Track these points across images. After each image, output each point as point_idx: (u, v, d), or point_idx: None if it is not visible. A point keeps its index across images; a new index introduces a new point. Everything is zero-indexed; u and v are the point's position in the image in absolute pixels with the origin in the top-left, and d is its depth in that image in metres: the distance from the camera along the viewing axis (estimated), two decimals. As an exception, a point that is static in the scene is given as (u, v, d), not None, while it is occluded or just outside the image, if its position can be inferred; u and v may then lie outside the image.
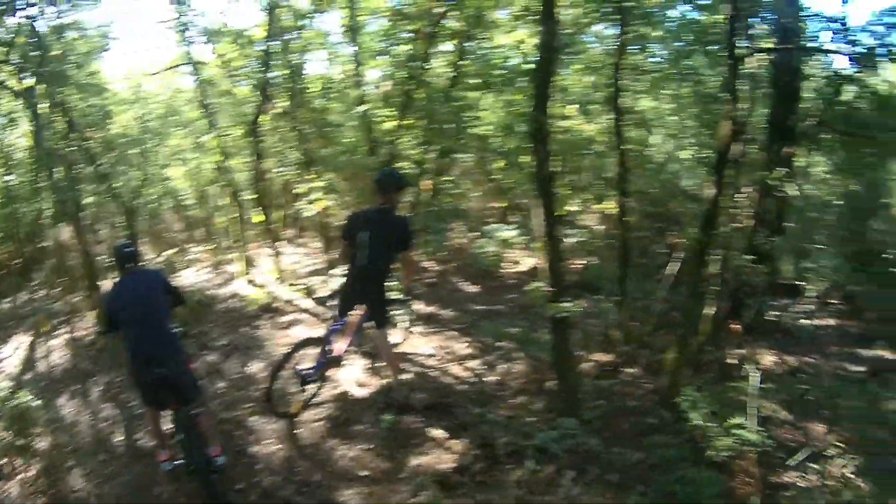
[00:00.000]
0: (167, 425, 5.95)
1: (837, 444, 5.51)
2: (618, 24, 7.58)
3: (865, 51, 6.74)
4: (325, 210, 9.64)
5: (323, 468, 5.95)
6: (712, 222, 6.30)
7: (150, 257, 11.99)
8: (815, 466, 5.41)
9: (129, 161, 12.74)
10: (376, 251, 6.16)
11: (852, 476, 5.25)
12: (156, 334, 5.56)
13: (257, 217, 11.09)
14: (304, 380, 6.47)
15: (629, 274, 7.75)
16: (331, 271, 9.36)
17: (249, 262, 10.90)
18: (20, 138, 13.34)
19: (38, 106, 9.86)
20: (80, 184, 10.61)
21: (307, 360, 6.61)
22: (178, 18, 10.17)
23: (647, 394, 6.82)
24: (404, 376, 6.97)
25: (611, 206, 7.71)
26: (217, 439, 5.91)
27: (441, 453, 5.85)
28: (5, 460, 7.31)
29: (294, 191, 10.94)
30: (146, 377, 5.55)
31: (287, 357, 6.41)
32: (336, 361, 6.52)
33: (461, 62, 9.51)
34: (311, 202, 9.53)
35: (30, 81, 9.76)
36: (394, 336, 7.38)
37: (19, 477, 7.08)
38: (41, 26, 9.71)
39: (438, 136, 9.19)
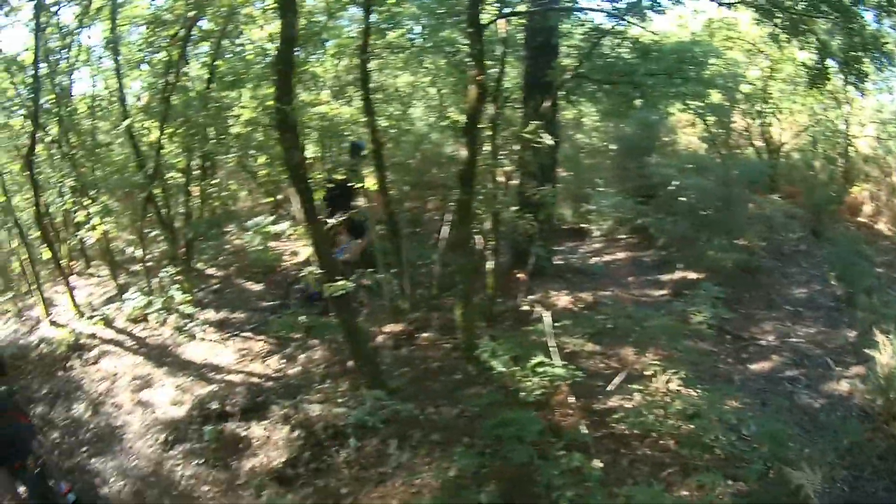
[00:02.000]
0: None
1: (655, 363, 6.06)
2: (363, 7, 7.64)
3: (627, 5, 7.28)
4: (105, 235, 9.34)
5: (169, 493, 6.01)
6: (471, 182, 6.64)
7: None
8: (636, 387, 5.92)
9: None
10: None
11: (678, 388, 5.79)
12: None
13: (45, 254, 10.60)
14: None
15: (402, 244, 7.99)
16: (123, 296, 9.16)
17: (48, 303, 10.39)
18: None
19: None
20: None
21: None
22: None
23: (447, 353, 7.14)
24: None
25: (371, 182, 7.83)
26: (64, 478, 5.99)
27: (269, 451, 6.04)
28: None
29: (74, 220, 10.53)
30: None
31: None
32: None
33: (216, 62, 9.30)
34: (89, 229, 9.27)
35: None
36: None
37: None
38: None
39: (200, 141, 9.07)
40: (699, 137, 14.08)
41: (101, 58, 10.15)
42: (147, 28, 9.08)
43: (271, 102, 5.92)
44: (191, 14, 8.38)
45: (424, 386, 6.57)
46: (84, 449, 6.97)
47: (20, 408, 5.87)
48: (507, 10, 7.97)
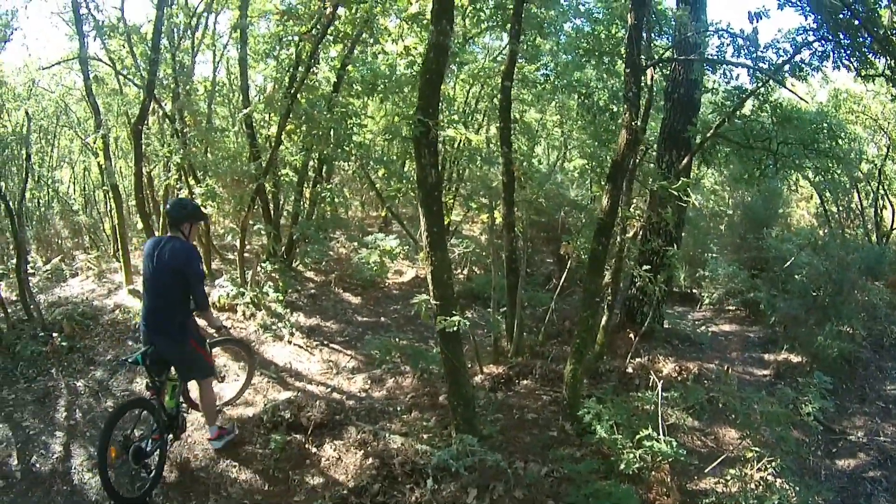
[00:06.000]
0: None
1: (753, 448, 5.59)
2: (508, 35, 7.51)
3: (771, 66, 7.03)
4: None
5: (218, 493, 5.64)
6: (608, 231, 6.27)
7: (38, 266, 11.36)
8: (733, 472, 5.42)
9: (16, 162, 12.03)
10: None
11: (774, 479, 5.33)
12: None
13: (139, 223, 10.57)
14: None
15: (518, 284, 7.64)
16: (215, 281, 9.05)
17: (132, 271, 10.42)
18: None
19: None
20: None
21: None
22: (74, 10, 9.44)
23: (544, 405, 6.74)
24: (284, 395, 6.72)
25: (497, 215, 7.60)
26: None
27: (337, 474, 5.68)
28: None
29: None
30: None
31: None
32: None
33: (346, 68, 9.26)
34: None
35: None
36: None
37: None
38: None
39: (320, 143, 8.82)
40: (814, 213, 13.69)
41: (226, 46, 10.20)
42: (277, 22, 9.03)
43: (408, 114, 5.64)
44: (328, 11, 8.25)
45: (516, 436, 6.17)
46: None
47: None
48: (663, 57, 7.97)
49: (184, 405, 5.98)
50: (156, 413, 5.54)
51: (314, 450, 5.98)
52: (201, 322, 5.80)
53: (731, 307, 11.11)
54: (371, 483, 5.41)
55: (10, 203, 8.99)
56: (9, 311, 9.84)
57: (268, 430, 6.21)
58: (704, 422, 6.98)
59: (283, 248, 9.55)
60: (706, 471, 5.97)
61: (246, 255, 9.12)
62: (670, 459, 5.46)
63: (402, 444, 5.80)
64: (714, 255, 11.29)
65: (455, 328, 5.34)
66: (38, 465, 6.61)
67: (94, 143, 9.79)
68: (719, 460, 6.01)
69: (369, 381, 7.15)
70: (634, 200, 8.13)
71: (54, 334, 8.89)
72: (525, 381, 7.22)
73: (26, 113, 10.59)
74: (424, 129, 5.24)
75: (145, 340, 5.54)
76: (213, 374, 5.96)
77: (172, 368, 5.68)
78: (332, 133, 8.66)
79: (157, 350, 5.45)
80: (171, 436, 5.79)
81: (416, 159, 5.47)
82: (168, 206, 5.67)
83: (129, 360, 5.63)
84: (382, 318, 8.55)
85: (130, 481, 5.62)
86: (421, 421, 6.29)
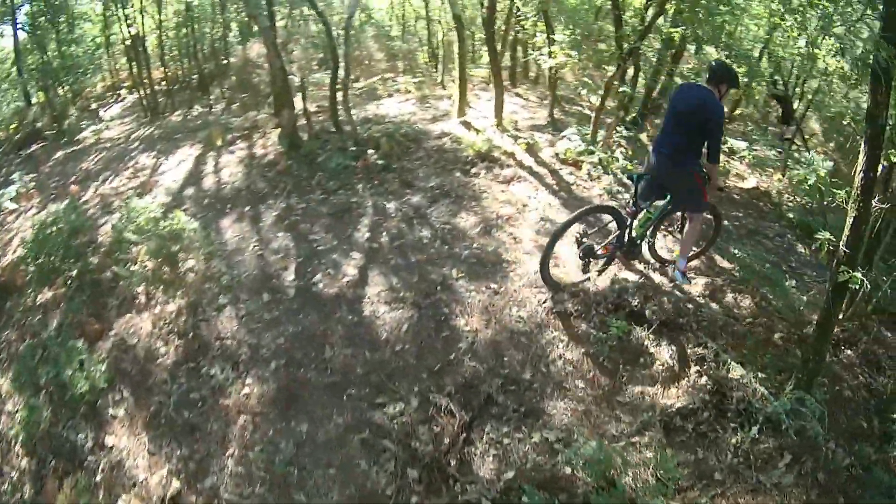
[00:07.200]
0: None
1: None
2: None
3: None
4: (558, 67, 9.30)
5: (534, 364, 5.46)
6: None
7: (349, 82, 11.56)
8: None
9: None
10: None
11: None
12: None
13: (482, 60, 11.30)
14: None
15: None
16: (561, 132, 9.03)
17: (466, 104, 10.43)
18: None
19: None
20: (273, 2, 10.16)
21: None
22: None
23: (860, 387, 5.78)
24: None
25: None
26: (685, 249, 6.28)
27: (669, 385, 5.32)
28: (142, 289, 6.85)
29: (529, 41, 10.76)
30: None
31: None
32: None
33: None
34: (545, 55, 9.18)
35: None
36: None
37: (156, 311, 6.60)
38: None
39: (697, 24, 8.29)
40: None
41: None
42: None
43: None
44: None
45: (835, 413, 5.35)
46: (452, 265, 6.69)
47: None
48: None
49: (649, 240, 6.58)
50: (622, 227, 6.18)
51: (652, 349, 5.58)
52: None
53: None
54: (701, 409, 5.11)
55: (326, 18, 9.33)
56: (313, 120, 10.00)
57: (609, 311, 5.91)
58: None
59: (636, 118, 9.59)
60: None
61: (602, 115, 9.12)
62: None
63: (742, 376, 5.32)
64: None
65: (856, 287, 4.71)
66: (320, 286, 6.54)
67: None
68: None
69: (709, 289, 6.50)
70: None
71: (369, 150, 8.88)
72: (847, 352, 6.19)
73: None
74: (888, 56, 4.20)
75: (649, 166, 6.10)
76: (705, 210, 6.29)
77: (656, 203, 6.30)
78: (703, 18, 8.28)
79: (657, 176, 6.03)
80: (621, 255, 6.46)
81: (871, 92, 4.52)
82: (714, 63, 5.92)
83: (627, 175, 6.88)
84: (725, 221, 7.72)
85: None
86: (758, 355, 5.65)
